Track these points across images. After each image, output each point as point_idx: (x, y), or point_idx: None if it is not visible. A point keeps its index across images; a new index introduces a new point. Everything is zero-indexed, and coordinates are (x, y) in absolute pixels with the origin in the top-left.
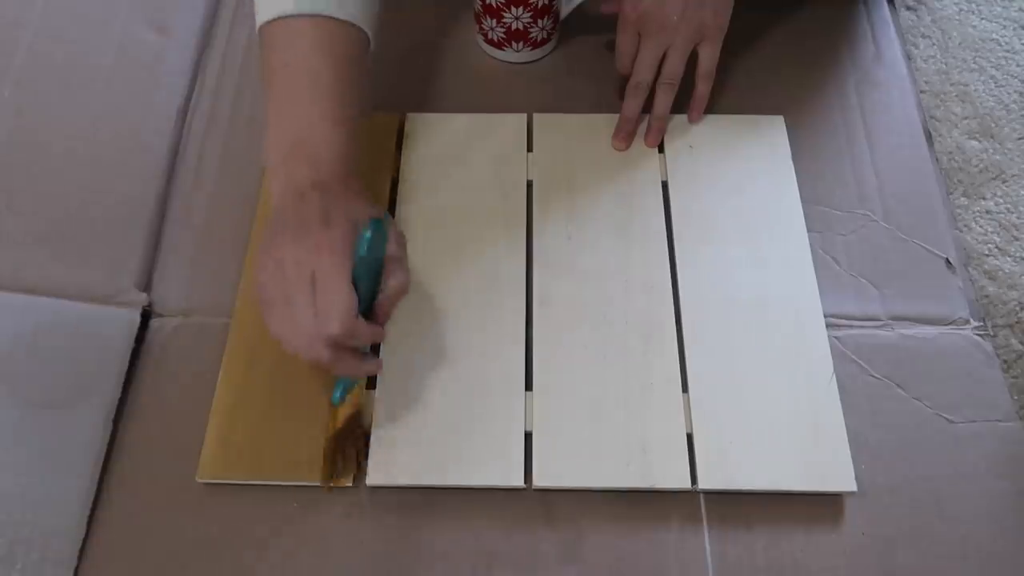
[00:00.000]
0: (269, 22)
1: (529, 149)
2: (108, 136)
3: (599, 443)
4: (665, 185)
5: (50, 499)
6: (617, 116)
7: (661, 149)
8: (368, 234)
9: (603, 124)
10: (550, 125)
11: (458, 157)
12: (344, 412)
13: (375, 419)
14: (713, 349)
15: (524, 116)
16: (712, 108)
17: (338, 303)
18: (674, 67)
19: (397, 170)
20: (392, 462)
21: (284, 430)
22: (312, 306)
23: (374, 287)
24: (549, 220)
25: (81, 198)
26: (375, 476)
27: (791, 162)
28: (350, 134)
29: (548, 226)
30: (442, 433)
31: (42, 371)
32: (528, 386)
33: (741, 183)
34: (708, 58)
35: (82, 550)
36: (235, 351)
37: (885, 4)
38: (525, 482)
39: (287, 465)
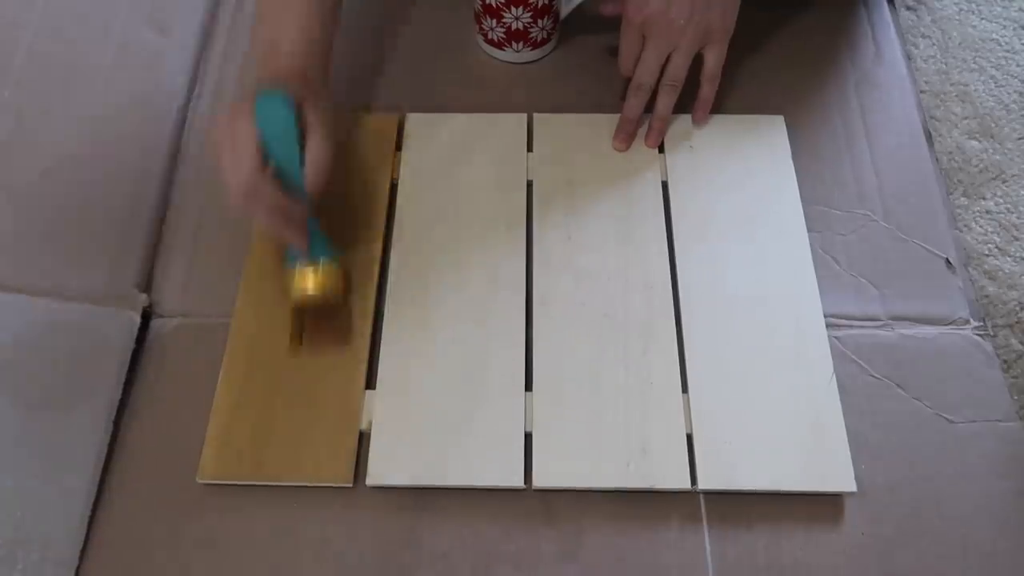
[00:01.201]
0: None
1: (529, 149)
2: (108, 136)
3: (599, 443)
4: (665, 185)
5: (50, 499)
6: (617, 116)
7: (661, 149)
8: (256, 102)
9: (603, 124)
10: (550, 125)
11: (458, 157)
12: (301, 285)
13: (375, 419)
14: (713, 349)
15: (524, 116)
16: (712, 108)
17: (238, 159)
18: (678, 70)
19: (397, 170)
20: (392, 462)
21: (284, 430)
22: (229, 161)
23: (291, 157)
24: (549, 220)
25: (81, 198)
26: (375, 476)
27: (791, 162)
28: (321, 34)
29: (548, 226)
30: (442, 433)
31: (42, 371)
32: (528, 386)
33: (741, 183)
34: (714, 61)
35: (82, 550)
36: (235, 351)
37: (885, 4)
38: (525, 482)
39: (287, 465)
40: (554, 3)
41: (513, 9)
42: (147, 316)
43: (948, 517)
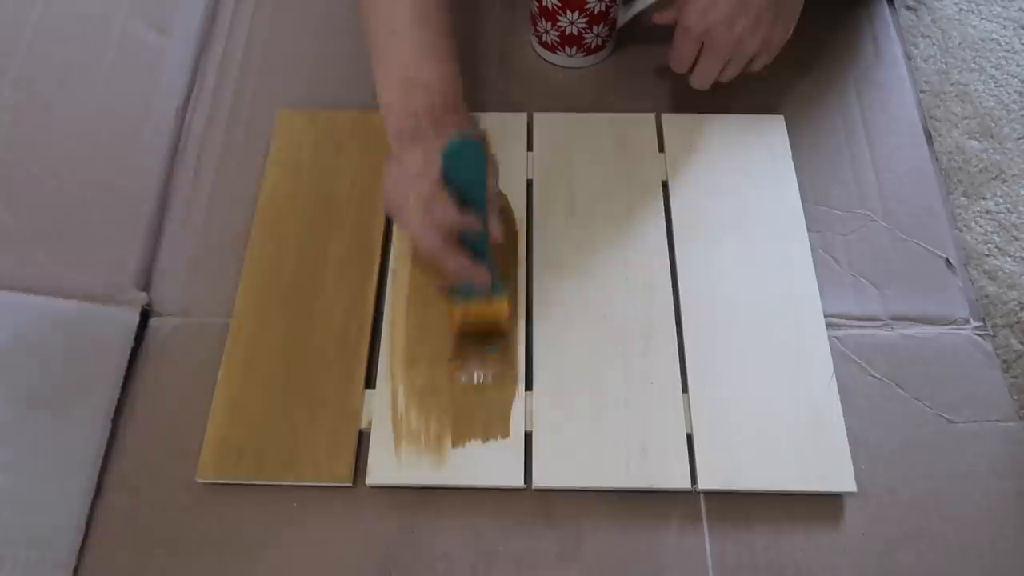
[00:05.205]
0: None
1: (529, 149)
2: (108, 136)
3: (599, 443)
4: (665, 185)
5: (49, 499)
6: (617, 115)
7: (661, 149)
8: (453, 141)
9: (603, 124)
10: (550, 125)
11: None
12: (468, 313)
13: (375, 418)
14: (713, 349)
15: (524, 116)
16: (712, 108)
17: (431, 186)
18: (734, 73)
19: None
20: (392, 462)
21: (283, 430)
22: (428, 215)
23: (478, 192)
24: (549, 220)
25: (81, 198)
26: (375, 476)
27: (791, 162)
28: (454, 63)
29: (548, 226)
30: (442, 432)
31: (41, 371)
32: (528, 386)
33: (741, 183)
34: (758, 65)
35: (81, 550)
36: (235, 351)
37: (885, 4)
38: (525, 482)
39: (287, 465)
40: (611, 10)
41: (569, 14)
42: (146, 315)
43: (948, 517)
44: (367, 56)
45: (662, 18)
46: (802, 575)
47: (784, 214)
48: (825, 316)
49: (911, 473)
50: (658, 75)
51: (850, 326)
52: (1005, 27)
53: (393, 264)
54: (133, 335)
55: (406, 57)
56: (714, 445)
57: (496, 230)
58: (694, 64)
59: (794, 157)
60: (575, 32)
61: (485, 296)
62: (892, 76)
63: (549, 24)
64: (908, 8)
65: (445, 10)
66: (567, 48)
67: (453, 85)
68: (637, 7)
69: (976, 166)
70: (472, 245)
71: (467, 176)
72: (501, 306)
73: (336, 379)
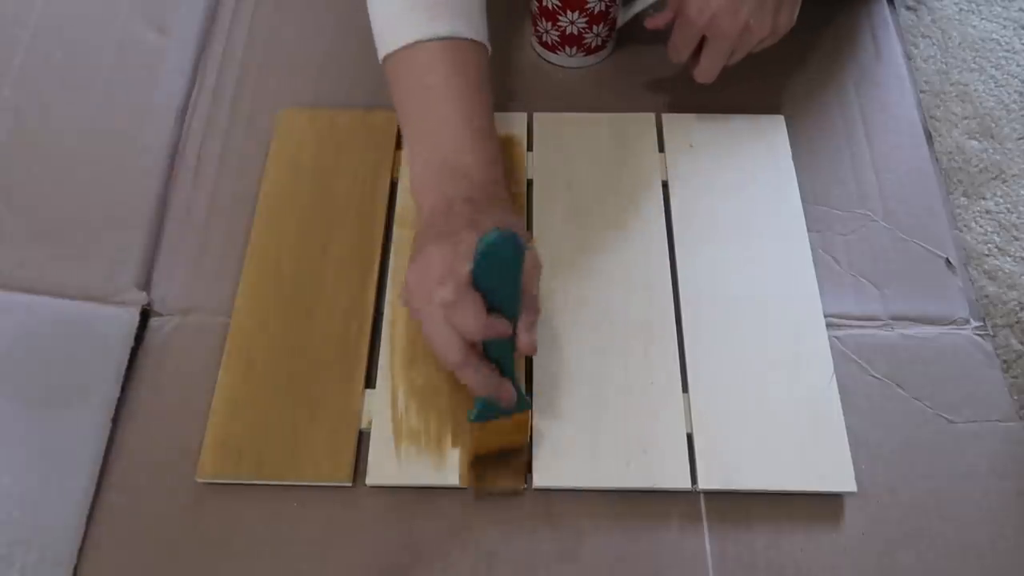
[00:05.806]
0: (402, 48)
1: (529, 149)
2: (108, 136)
3: (599, 443)
4: (665, 185)
5: (49, 499)
6: (617, 115)
7: (661, 148)
8: (488, 239)
9: (603, 124)
10: (550, 125)
11: None
12: (488, 436)
13: (375, 418)
14: (713, 349)
15: (524, 116)
16: (712, 108)
17: (456, 291)
18: (739, 57)
19: (397, 168)
20: (392, 462)
21: (283, 429)
22: (456, 319)
23: (511, 295)
24: (549, 220)
25: (81, 198)
26: (375, 476)
27: (791, 162)
28: (495, 147)
29: (548, 226)
30: (442, 432)
31: (41, 370)
32: (529, 386)
33: (741, 183)
34: (763, 47)
35: (81, 550)
36: (235, 351)
37: (885, 4)
38: (525, 482)
39: (287, 465)
40: (611, 10)
41: (569, 13)
42: (146, 315)
43: (948, 517)
44: (366, 53)
45: (655, 22)
46: (802, 575)
47: (784, 214)
48: (825, 316)
49: (911, 473)
50: (658, 75)
51: (850, 326)
52: (1005, 27)
53: (393, 263)
54: (133, 335)
55: (443, 135)
56: (714, 445)
57: (527, 342)
58: (698, 56)
59: (794, 157)
60: (575, 32)
61: (507, 415)
62: (892, 76)
63: (549, 24)
64: (908, 8)
65: (481, 75)
66: (567, 48)
67: (493, 171)
68: (637, 7)
69: (976, 166)
70: (496, 355)
71: (500, 277)
72: (523, 425)
73: (336, 379)
